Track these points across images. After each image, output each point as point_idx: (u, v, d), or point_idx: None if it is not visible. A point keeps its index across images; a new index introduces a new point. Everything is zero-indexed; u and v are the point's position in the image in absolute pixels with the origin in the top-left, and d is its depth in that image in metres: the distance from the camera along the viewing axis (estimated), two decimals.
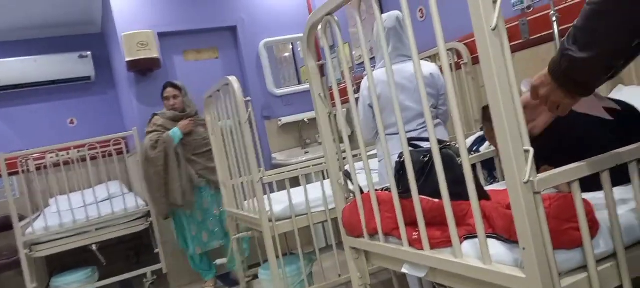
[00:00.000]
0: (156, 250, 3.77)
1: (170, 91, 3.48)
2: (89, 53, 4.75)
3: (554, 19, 2.25)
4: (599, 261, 1.02)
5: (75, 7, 4.47)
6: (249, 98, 2.36)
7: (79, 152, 3.75)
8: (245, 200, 2.70)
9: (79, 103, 4.89)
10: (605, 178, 1.05)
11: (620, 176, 1.09)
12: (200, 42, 4.45)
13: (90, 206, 3.61)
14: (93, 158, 3.84)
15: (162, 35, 4.14)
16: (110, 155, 4.06)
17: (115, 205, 3.62)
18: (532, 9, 2.52)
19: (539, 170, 0.97)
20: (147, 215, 3.73)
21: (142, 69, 3.97)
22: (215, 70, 4.45)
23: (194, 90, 4.22)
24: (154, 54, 3.92)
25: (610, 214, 1.04)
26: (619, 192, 1.14)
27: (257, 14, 4.50)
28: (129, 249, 4.48)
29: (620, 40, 0.92)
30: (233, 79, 2.38)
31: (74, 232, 3.49)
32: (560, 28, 2.25)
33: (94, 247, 3.59)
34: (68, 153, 3.86)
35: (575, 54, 0.96)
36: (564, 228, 1.01)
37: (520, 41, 2.54)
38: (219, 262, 3.57)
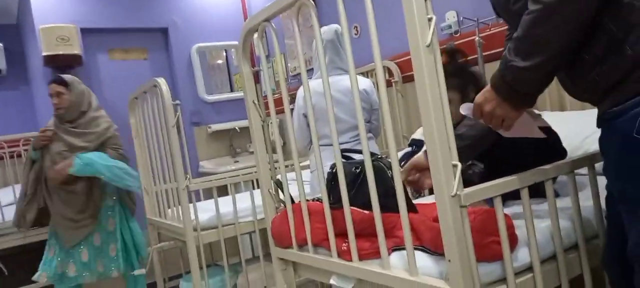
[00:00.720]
0: None
1: (52, 87, 2.65)
2: (0, 45, 4.35)
3: (479, 44, 2.38)
4: (518, 274, 1.07)
5: None
6: (177, 102, 2.27)
7: None
8: (169, 208, 2.58)
9: None
10: (524, 195, 1.11)
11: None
12: (128, 41, 4.24)
13: None
14: None
15: (85, 31, 3.89)
16: (18, 155, 3.72)
17: None
18: (459, 33, 2.66)
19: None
20: None
21: (61, 65, 3.70)
22: (143, 71, 4.26)
23: (119, 91, 3.99)
24: (75, 50, 3.68)
25: (528, 230, 1.09)
26: (542, 205, 1.21)
27: (190, 18, 4.37)
28: (36, 259, 4.10)
29: (567, 38, 0.96)
30: (161, 81, 2.28)
31: None
32: (484, 53, 2.39)
33: None
34: None
35: (519, 64, 0.98)
36: (487, 241, 1.05)
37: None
38: (136, 272, 3.37)
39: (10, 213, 3.28)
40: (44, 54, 3.59)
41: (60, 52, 3.60)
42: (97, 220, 2.67)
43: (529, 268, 1.10)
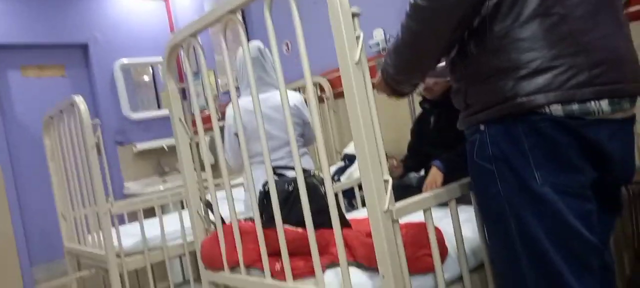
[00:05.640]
0: None
1: None
2: None
3: None
4: (449, 285, 1.10)
5: None
6: (97, 120, 2.14)
7: None
8: (89, 234, 2.40)
9: None
10: (452, 207, 1.14)
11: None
12: (43, 57, 3.96)
13: None
14: None
15: None
16: None
17: None
18: (386, 50, 2.73)
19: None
20: None
21: None
22: (60, 89, 3.99)
23: (33, 110, 3.71)
24: None
25: (457, 243, 1.12)
26: (463, 211, 1.24)
27: (112, 33, 4.17)
28: None
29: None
30: (79, 99, 2.13)
31: None
32: None
33: None
34: None
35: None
36: (419, 254, 1.06)
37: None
38: None
39: None
40: None
41: None
42: None
43: (460, 279, 1.13)
